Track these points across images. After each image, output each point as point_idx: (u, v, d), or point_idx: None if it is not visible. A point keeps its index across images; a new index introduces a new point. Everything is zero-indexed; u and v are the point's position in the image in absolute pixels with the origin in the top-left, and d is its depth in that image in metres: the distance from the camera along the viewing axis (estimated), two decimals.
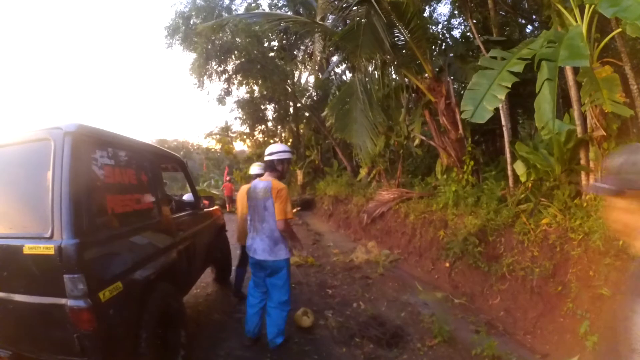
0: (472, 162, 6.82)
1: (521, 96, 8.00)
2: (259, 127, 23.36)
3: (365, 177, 12.18)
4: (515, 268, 4.68)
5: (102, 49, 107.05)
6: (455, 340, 4.10)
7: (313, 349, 3.98)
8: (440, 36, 10.90)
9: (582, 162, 4.60)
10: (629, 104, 4.02)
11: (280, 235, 3.64)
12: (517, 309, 4.50)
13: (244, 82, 17.54)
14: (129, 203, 3.09)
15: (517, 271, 4.64)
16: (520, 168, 5.43)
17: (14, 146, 2.70)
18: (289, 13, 15.62)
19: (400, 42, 7.61)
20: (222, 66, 16.17)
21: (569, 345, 3.58)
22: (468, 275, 5.52)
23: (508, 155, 6.00)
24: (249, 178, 6.01)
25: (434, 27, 11.52)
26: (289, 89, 17.67)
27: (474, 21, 7.83)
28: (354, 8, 7.42)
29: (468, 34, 9.78)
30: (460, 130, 7.12)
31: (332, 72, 16.01)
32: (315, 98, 18.75)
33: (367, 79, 8.08)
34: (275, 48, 18.26)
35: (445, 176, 7.54)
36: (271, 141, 24.49)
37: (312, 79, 19.65)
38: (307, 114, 19.44)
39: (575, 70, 4.72)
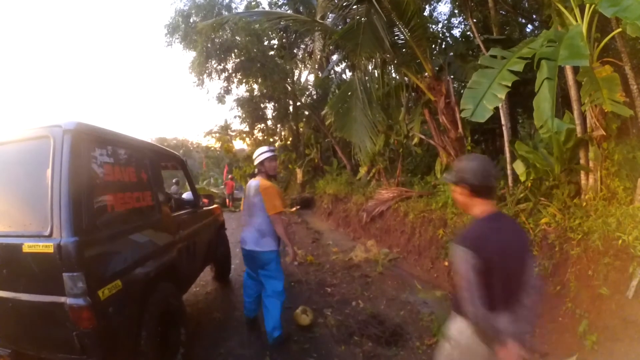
0: None
1: (521, 96, 8.00)
2: (259, 125, 23.37)
3: (364, 176, 12.18)
4: None
5: (102, 47, 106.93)
6: None
7: (312, 347, 3.99)
8: (441, 35, 10.89)
9: (582, 161, 4.59)
10: (629, 104, 4.02)
11: (267, 228, 3.87)
12: None
13: (244, 81, 17.54)
14: (128, 201, 3.09)
15: None
16: (519, 167, 5.43)
17: (13, 144, 2.70)
18: (289, 11, 15.59)
19: (400, 41, 7.60)
20: (222, 64, 16.17)
21: (568, 344, 3.57)
22: None
23: (507, 154, 6.00)
24: (250, 176, 6.27)
25: (434, 26, 11.51)
26: (289, 88, 17.68)
27: (474, 20, 7.82)
28: (354, 7, 7.40)
29: (468, 33, 9.78)
30: (460, 130, 7.11)
31: (332, 71, 15.99)
32: (315, 97, 18.76)
33: (367, 78, 8.06)
34: (275, 46, 18.27)
35: (444, 175, 7.54)
36: (271, 140, 24.53)
37: (311, 77, 19.69)
38: (306, 113, 19.44)
39: (575, 70, 4.72)
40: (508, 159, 5.94)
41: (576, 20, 4.25)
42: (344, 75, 15.55)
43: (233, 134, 27.54)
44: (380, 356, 3.83)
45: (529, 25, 10.23)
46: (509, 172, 5.92)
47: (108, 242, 2.70)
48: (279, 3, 17.92)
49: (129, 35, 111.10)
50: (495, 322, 1.82)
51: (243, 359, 3.80)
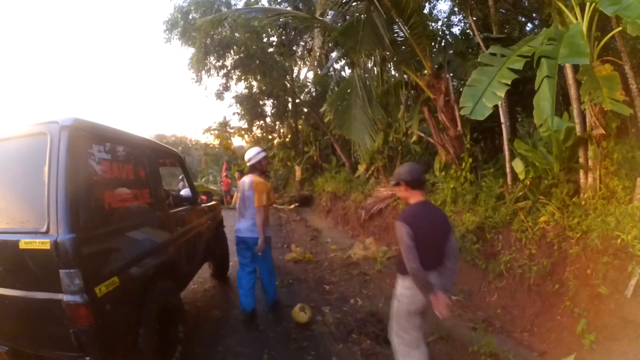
0: (470, 160, 6.81)
1: (520, 94, 7.98)
2: (258, 122, 23.31)
3: (363, 174, 12.17)
4: (513, 266, 4.69)
5: (100, 43, 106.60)
6: (452, 338, 4.11)
7: (310, 345, 3.98)
8: (440, 33, 10.84)
9: (581, 160, 4.59)
10: (628, 103, 4.01)
11: (255, 218, 4.47)
12: (515, 306, 4.51)
13: (243, 78, 17.49)
14: (126, 198, 3.07)
15: (515, 269, 4.64)
16: (518, 166, 5.43)
17: (10, 140, 2.68)
18: (288, 8, 15.52)
19: (399, 39, 7.58)
20: (221, 61, 16.12)
21: (567, 343, 3.58)
22: (466, 273, 5.52)
23: (507, 152, 5.99)
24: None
25: (433, 24, 11.44)
26: (288, 85, 17.63)
27: (474, 18, 7.80)
28: (354, 4, 7.37)
29: (468, 31, 9.72)
30: (459, 128, 7.10)
31: (331, 68, 15.96)
32: (314, 94, 18.72)
33: (366, 75, 8.04)
34: (274, 43, 18.20)
35: (443, 173, 7.53)
36: (270, 137, 24.49)
37: (311, 74, 19.64)
38: (305, 110, 19.43)
39: (575, 69, 4.71)
40: (507, 157, 5.93)
41: (576, 19, 4.24)
42: (343, 73, 15.52)
43: (232, 131, 27.47)
44: (378, 354, 3.82)
45: (529, 24, 10.21)
46: (508, 170, 5.91)
47: (105, 239, 2.68)
48: (279, 0, 17.87)
49: (128, 32, 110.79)
50: (427, 277, 2.57)
51: (242, 357, 3.79)
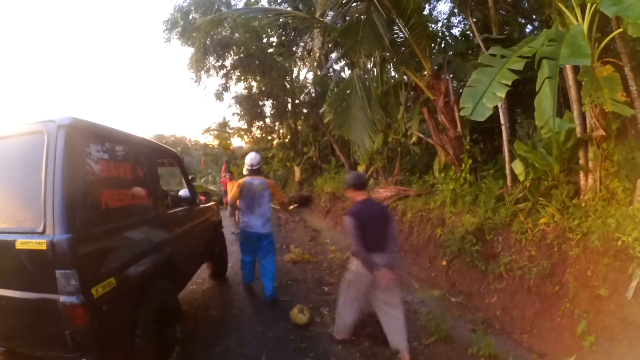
0: (470, 161, 6.80)
1: (520, 95, 7.97)
2: (257, 123, 23.26)
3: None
4: (513, 267, 4.67)
5: (99, 43, 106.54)
6: (452, 339, 4.10)
7: (309, 347, 3.97)
8: (440, 34, 10.84)
9: (581, 161, 4.58)
10: (629, 105, 3.99)
11: (269, 215, 5.17)
12: (515, 308, 4.49)
13: (242, 78, 17.45)
14: (123, 198, 3.06)
15: (515, 270, 4.63)
16: (518, 167, 5.41)
17: (7, 139, 2.67)
18: (288, 9, 15.50)
19: (399, 39, 7.57)
20: (220, 61, 16.09)
21: (567, 344, 3.57)
22: (465, 274, 5.51)
23: (506, 154, 5.98)
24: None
25: (433, 25, 11.44)
26: (288, 85, 17.60)
27: (474, 19, 7.79)
28: (354, 4, 7.36)
29: (468, 32, 9.73)
30: (459, 129, 7.09)
31: (331, 69, 15.95)
32: (313, 94, 18.70)
33: (366, 76, 8.03)
34: (274, 44, 18.18)
35: (443, 174, 7.52)
36: (269, 137, 24.47)
37: (310, 75, 19.62)
38: (305, 111, 19.38)
39: (575, 70, 4.70)
40: (507, 159, 5.92)
41: (577, 20, 4.24)
42: (342, 73, 15.54)
43: (231, 131, 27.41)
44: (377, 355, 3.81)
45: (529, 25, 10.21)
46: (507, 171, 5.90)
47: (102, 239, 2.67)
48: (278, 0, 17.86)
49: (127, 31, 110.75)
50: (371, 258, 3.38)
51: (240, 357, 3.78)
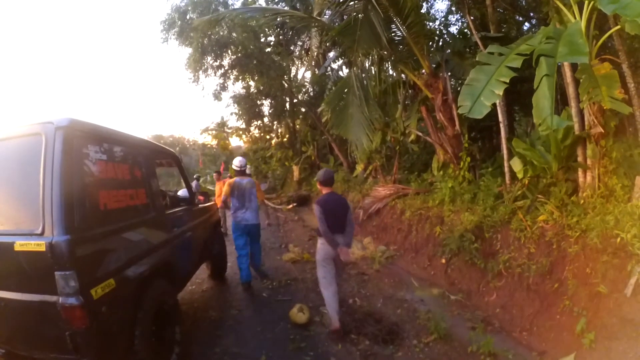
0: (468, 159, 6.81)
1: (518, 93, 7.98)
2: (255, 122, 23.23)
3: (361, 173, 12.15)
4: (512, 265, 4.68)
5: (97, 43, 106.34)
6: (451, 337, 4.10)
7: (309, 346, 3.97)
8: (438, 32, 10.84)
9: (580, 159, 4.59)
10: (627, 102, 3.99)
11: (257, 208, 6.01)
12: (514, 306, 4.50)
13: (240, 78, 17.42)
14: (122, 199, 3.05)
15: (514, 268, 4.63)
16: (517, 165, 5.42)
17: (5, 141, 2.66)
18: (285, 8, 15.47)
19: (397, 38, 7.57)
20: (218, 61, 16.05)
21: (566, 342, 3.57)
22: (464, 272, 5.51)
23: (505, 151, 5.98)
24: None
25: (431, 24, 11.46)
26: (286, 85, 17.59)
27: (472, 18, 7.79)
28: (351, 3, 7.37)
29: (465, 30, 9.73)
30: (457, 127, 7.10)
31: (329, 68, 15.93)
32: (311, 94, 18.69)
33: (363, 75, 8.04)
34: (272, 43, 18.17)
35: (441, 172, 7.53)
36: (267, 137, 24.47)
37: (308, 74, 19.60)
38: (303, 110, 19.39)
39: (573, 67, 4.70)
40: (505, 157, 5.92)
41: (575, 17, 4.23)
42: (340, 72, 15.51)
43: (229, 131, 27.43)
44: (377, 355, 3.81)
45: (526, 23, 10.23)
46: (506, 169, 5.90)
47: (101, 240, 2.66)
48: (276, 0, 17.84)
49: (125, 32, 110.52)
50: (333, 237, 4.11)
51: (239, 358, 3.77)
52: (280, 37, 18.43)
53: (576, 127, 4.65)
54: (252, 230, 5.92)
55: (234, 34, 14.73)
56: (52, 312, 2.31)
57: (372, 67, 8.43)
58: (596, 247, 3.66)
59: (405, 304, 5.12)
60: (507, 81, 3.67)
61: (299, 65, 20.26)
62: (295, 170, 19.56)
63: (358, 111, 7.35)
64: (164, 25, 15.18)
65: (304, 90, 19.07)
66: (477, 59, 4.41)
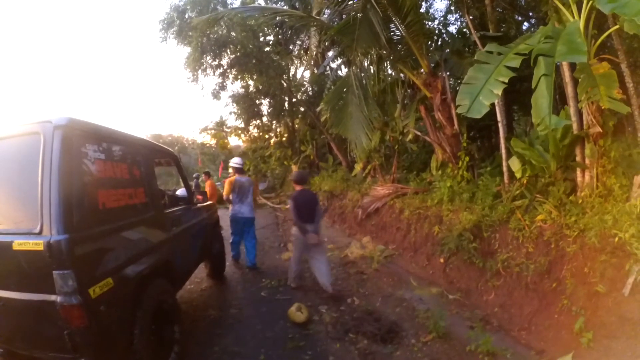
0: (467, 158, 6.81)
1: (517, 92, 7.98)
2: (254, 122, 23.15)
3: (360, 173, 12.14)
4: (510, 264, 4.69)
5: (96, 43, 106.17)
6: (450, 336, 4.11)
7: (307, 345, 3.98)
8: (437, 32, 10.84)
9: (578, 158, 4.59)
10: (625, 102, 4.00)
11: (252, 204, 6.93)
12: (512, 305, 4.51)
13: (239, 77, 17.39)
14: (121, 198, 3.05)
15: (512, 267, 4.64)
16: (515, 164, 5.42)
17: (4, 140, 2.66)
18: (284, 7, 15.46)
19: (396, 37, 7.57)
20: (217, 60, 16.01)
21: (564, 341, 3.58)
22: (463, 271, 5.52)
23: (503, 151, 5.98)
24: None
25: (430, 23, 11.46)
26: (285, 84, 17.57)
27: (471, 17, 7.79)
28: (350, 2, 7.38)
29: (464, 30, 9.73)
30: (456, 126, 7.10)
31: (328, 67, 15.91)
32: (310, 93, 18.66)
33: (362, 74, 8.03)
34: (271, 42, 18.12)
35: (440, 172, 7.53)
36: (266, 136, 24.42)
37: (307, 73, 19.58)
38: (302, 109, 19.35)
39: (572, 67, 4.70)
40: (504, 156, 5.93)
41: (573, 17, 4.24)
42: (339, 72, 15.48)
43: (228, 130, 27.34)
44: (375, 353, 3.81)
45: (525, 23, 10.22)
46: (504, 168, 5.91)
47: (99, 239, 2.66)
48: None
49: (124, 31, 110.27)
50: (304, 225, 5.24)
51: (238, 357, 3.77)
52: (279, 36, 18.38)
53: (575, 126, 4.65)
54: (247, 222, 6.82)
55: (233, 33, 14.71)
56: (51, 311, 2.31)
57: (371, 66, 8.43)
58: (594, 247, 3.67)
59: (404, 303, 5.12)
60: (506, 81, 3.67)
61: (298, 64, 20.21)
62: (294, 170, 19.52)
63: (357, 110, 7.35)
64: (162, 25, 15.15)
65: (303, 89, 19.05)
66: (475, 58, 4.41)
